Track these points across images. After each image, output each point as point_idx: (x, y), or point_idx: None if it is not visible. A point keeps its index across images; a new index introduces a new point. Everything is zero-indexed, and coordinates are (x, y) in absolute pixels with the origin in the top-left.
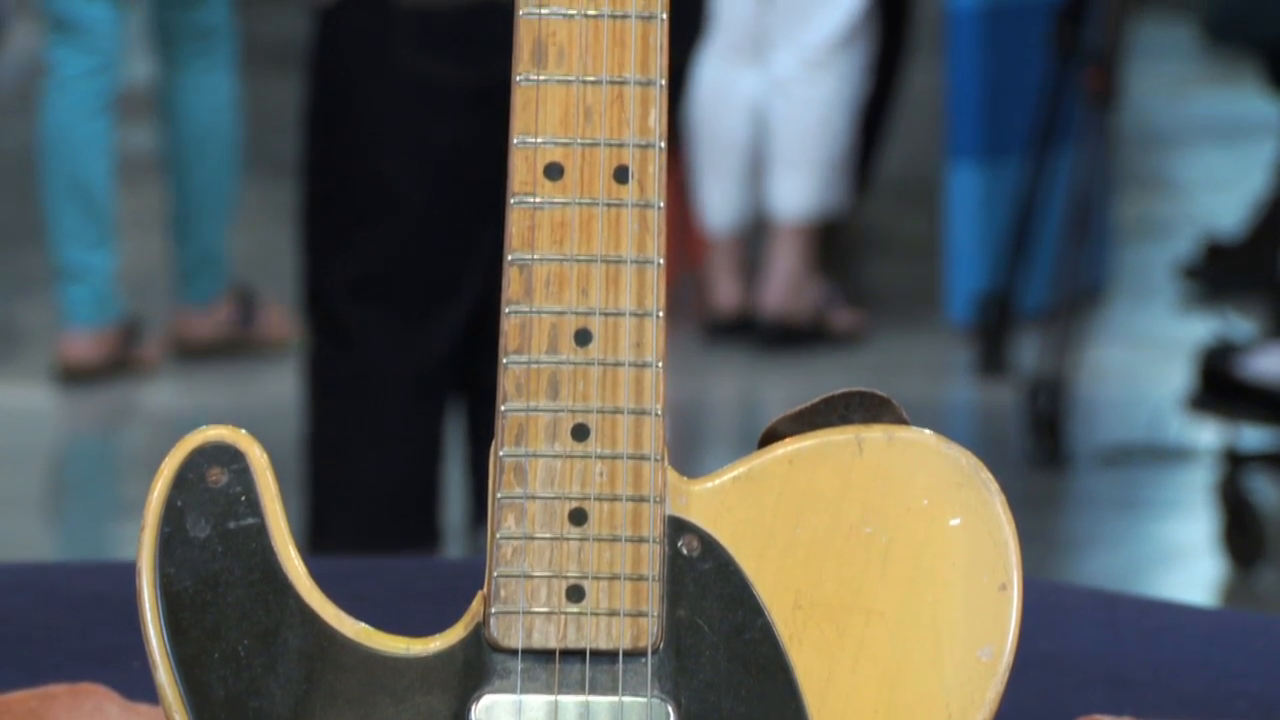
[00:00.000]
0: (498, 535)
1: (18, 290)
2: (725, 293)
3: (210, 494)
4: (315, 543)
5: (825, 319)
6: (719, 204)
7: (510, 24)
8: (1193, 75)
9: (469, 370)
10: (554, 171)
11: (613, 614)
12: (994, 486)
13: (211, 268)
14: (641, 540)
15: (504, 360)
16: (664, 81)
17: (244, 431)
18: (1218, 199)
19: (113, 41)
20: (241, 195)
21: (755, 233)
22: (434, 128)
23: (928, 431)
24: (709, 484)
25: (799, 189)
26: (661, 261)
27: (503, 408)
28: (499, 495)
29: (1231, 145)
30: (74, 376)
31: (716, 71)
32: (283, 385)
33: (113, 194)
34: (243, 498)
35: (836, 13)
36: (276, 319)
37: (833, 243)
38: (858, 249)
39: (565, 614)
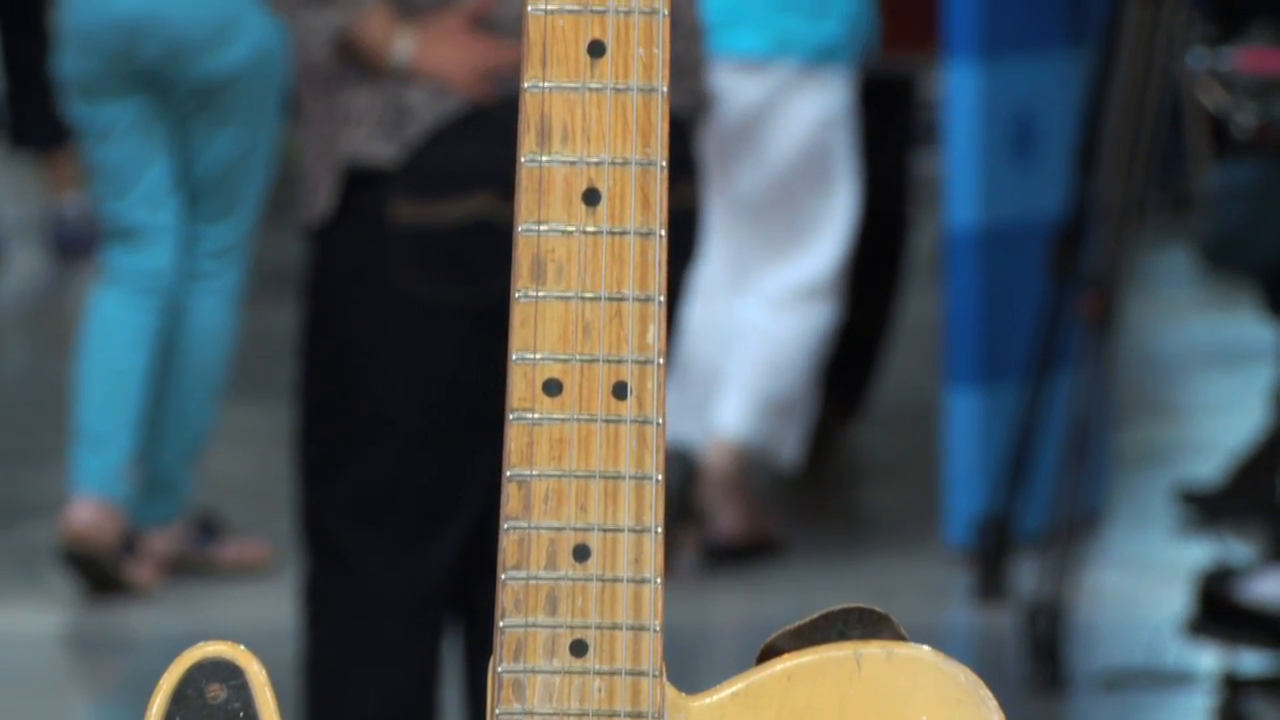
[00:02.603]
0: None
1: (25, 515)
2: (725, 518)
3: (209, 709)
4: None
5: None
6: (716, 428)
7: (507, 241)
8: (1191, 300)
9: (465, 589)
10: (553, 388)
11: None
12: (992, 703)
13: (164, 492)
14: None
15: (503, 576)
16: (663, 298)
17: (243, 647)
18: (1217, 423)
19: (174, 252)
20: (238, 419)
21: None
22: (429, 348)
23: (926, 648)
24: (708, 700)
25: (734, 410)
26: (660, 477)
27: (501, 623)
28: (498, 711)
29: (1231, 370)
30: (76, 551)
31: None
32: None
33: (146, 391)
34: (241, 713)
35: (808, 261)
36: (246, 547)
37: (824, 465)
38: (853, 471)
39: None
